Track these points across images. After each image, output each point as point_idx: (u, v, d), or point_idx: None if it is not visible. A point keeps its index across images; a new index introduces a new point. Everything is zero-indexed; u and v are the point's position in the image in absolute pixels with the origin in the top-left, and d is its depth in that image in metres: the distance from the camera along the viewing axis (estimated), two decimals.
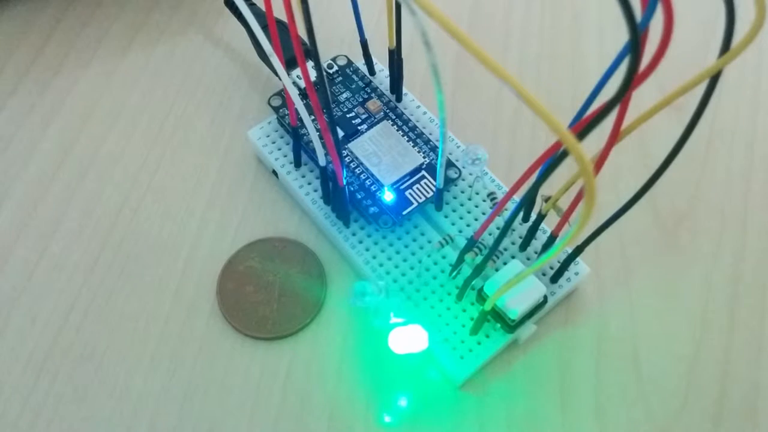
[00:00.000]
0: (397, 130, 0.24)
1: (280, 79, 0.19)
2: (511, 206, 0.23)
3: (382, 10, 0.24)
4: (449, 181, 0.24)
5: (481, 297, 0.21)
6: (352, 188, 0.23)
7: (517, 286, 0.19)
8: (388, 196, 0.23)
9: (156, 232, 0.25)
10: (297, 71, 0.25)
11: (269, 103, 0.25)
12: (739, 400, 0.22)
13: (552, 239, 0.22)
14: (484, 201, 0.24)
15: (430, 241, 0.23)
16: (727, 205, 0.25)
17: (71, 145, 0.27)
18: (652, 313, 0.23)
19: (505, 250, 0.23)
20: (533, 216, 0.23)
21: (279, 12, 0.18)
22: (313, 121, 0.20)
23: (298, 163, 0.25)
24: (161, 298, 0.23)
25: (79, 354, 0.22)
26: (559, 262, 0.22)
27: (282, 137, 0.25)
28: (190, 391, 0.22)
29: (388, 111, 0.25)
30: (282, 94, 0.25)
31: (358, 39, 0.25)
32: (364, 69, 0.26)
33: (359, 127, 0.25)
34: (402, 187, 0.23)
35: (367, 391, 0.22)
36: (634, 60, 0.12)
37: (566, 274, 0.23)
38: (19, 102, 0.28)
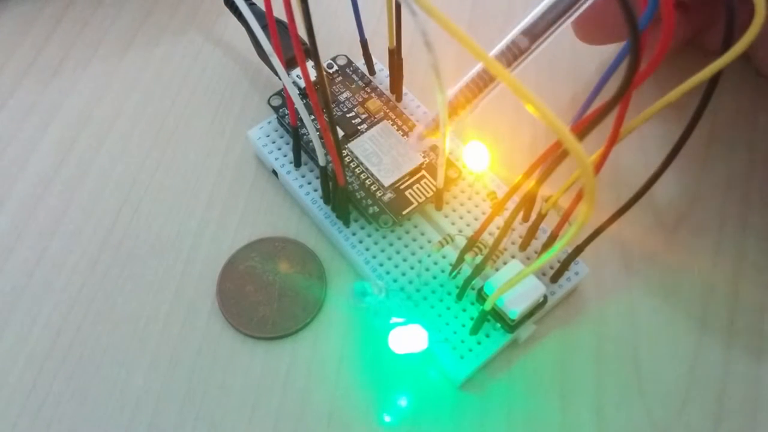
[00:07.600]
0: (397, 130, 0.24)
1: (280, 79, 0.19)
2: (511, 206, 0.23)
3: (382, 10, 0.24)
4: (449, 181, 0.24)
5: (481, 297, 0.21)
6: (352, 188, 0.23)
7: (516, 286, 0.19)
8: (389, 196, 0.23)
9: (156, 232, 0.25)
10: (297, 71, 0.25)
11: (269, 103, 0.25)
12: (739, 400, 0.22)
13: (552, 239, 0.22)
14: (484, 201, 0.24)
15: (430, 241, 0.23)
16: (727, 205, 0.25)
17: (71, 145, 0.27)
18: (652, 313, 0.23)
19: (505, 250, 0.23)
20: (533, 216, 0.23)
21: (279, 12, 0.18)
22: (313, 121, 0.20)
23: (298, 163, 0.25)
24: (161, 298, 0.23)
25: (79, 354, 0.22)
26: (559, 262, 0.22)
27: (282, 137, 0.25)
28: (190, 391, 0.22)
29: (388, 111, 0.25)
30: (282, 93, 0.25)
31: (358, 39, 0.25)
32: (364, 69, 0.26)
33: (359, 127, 0.25)
34: (402, 186, 0.23)
35: (367, 391, 0.22)
36: (634, 60, 0.12)
37: (566, 274, 0.23)
38: (19, 102, 0.28)
